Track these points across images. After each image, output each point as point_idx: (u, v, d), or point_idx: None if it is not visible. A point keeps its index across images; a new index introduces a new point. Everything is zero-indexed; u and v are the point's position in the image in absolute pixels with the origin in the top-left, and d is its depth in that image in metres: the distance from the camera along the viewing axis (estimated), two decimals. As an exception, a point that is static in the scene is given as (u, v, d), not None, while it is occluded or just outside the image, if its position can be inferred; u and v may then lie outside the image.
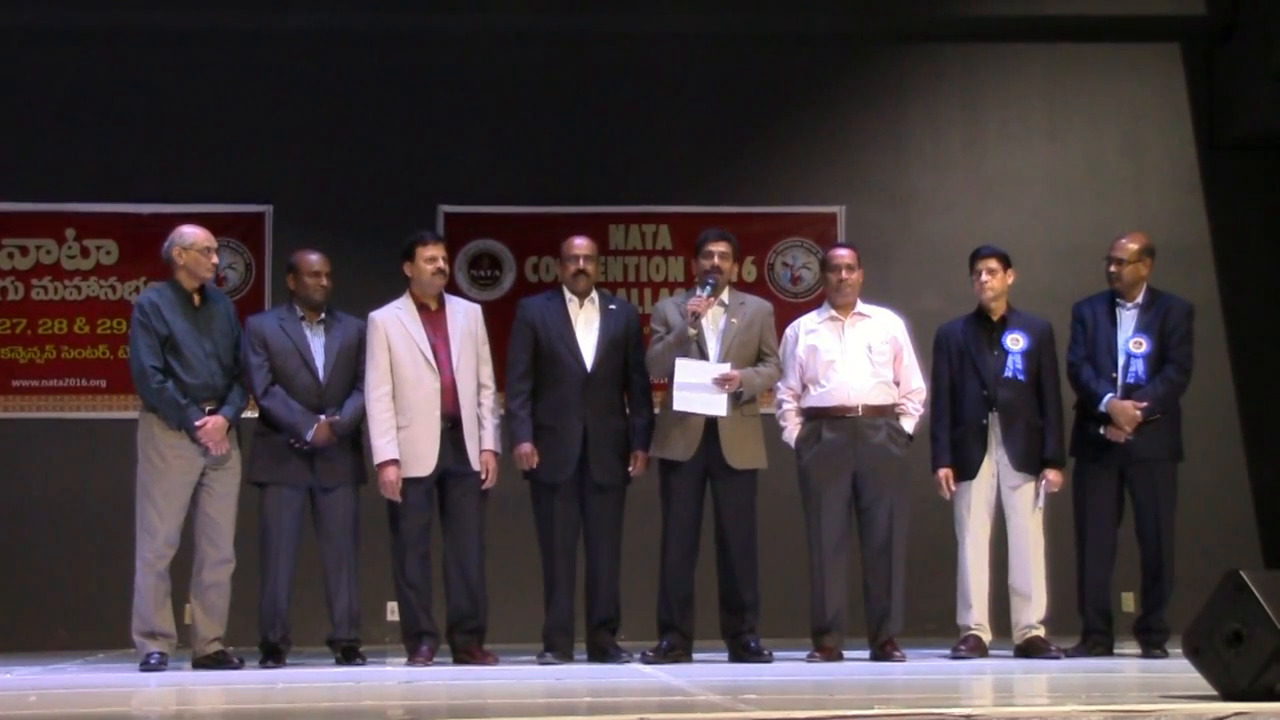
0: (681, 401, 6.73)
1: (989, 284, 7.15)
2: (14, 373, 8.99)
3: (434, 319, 6.97)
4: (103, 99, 9.15)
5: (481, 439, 6.92)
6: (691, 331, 6.78)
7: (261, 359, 6.94)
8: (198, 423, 6.59)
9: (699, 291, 6.89)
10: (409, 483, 6.85)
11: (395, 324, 6.93)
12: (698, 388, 6.73)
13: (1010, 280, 7.22)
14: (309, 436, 6.84)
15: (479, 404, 6.95)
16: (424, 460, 6.84)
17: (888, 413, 6.95)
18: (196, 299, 6.76)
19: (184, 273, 6.75)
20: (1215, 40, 9.50)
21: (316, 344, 6.99)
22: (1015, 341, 7.13)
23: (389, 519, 6.93)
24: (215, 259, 6.85)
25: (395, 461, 6.84)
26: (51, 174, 9.12)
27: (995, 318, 7.20)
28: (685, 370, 6.74)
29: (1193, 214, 9.48)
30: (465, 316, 7.03)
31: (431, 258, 6.96)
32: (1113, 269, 7.19)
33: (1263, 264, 9.50)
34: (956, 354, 7.18)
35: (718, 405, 6.74)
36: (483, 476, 6.91)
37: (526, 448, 6.86)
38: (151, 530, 6.63)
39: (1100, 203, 9.44)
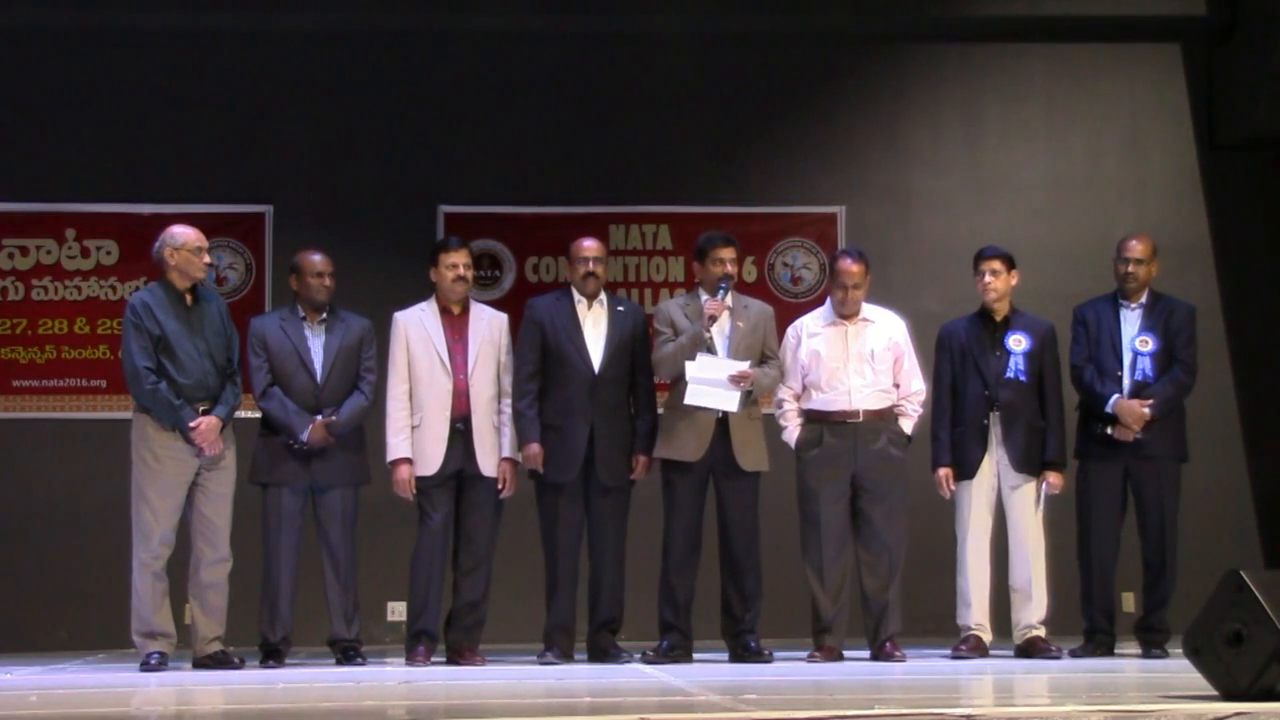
0: (694, 396, 6.73)
1: (992, 285, 7.15)
2: (14, 373, 8.98)
3: (455, 323, 7.00)
4: (103, 99, 9.14)
5: (501, 446, 6.94)
6: (707, 335, 6.79)
7: (261, 360, 6.97)
8: (191, 423, 6.58)
9: (705, 296, 6.89)
10: (418, 481, 6.88)
11: (416, 325, 6.99)
12: (712, 383, 6.74)
13: (1014, 281, 7.23)
14: (304, 437, 6.85)
15: (498, 412, 6.96)
16: (430, 460, 6.87)
17: (887, 416, 6.96)
18: (188, 299, 6.75)
19: (175, 273, 6.73)
20: (1215, 40, 9.49)
21: (316, 344, 7.00)
22: (1018, 342, 7.14)
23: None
24: (207, 259, 6.84)
25: (408, 460, 6.86)
26: (51, 174, 9.11)
27: (998, 318, 7.20)
28: (702, 366, 6.74)
29: (1193, 214, 9.47)
30: (488, 325, 7.04)
31: (452, 264, 6.98)
32: (1130, 269, 7.20)
33: (1263, 264, 9.49)
34: (958, 353, 7.18)
35: (730, 401, 6.74)
36: (499, 485, 6.92)
37: (536, 448, 6.85)
38: (146, 531, 6.62)
39: (1100, 203, 9.44)
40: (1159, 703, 4.41)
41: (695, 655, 6.95)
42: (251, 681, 6.06)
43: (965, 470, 7.11)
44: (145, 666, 6.57)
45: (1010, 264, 7.21)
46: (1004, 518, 7.16)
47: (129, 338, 6.66)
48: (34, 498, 8.90)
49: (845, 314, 7.03)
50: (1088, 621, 7.18)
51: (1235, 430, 9.33)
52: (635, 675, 6.07)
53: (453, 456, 6.88)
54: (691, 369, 6.75)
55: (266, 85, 9.22)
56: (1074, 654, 7.04)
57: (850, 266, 6.99)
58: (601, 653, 6.92)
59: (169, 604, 6.70)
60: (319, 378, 6.97)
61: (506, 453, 6.94)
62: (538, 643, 7.02)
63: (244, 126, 9.17)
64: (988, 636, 7.10)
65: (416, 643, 6.89)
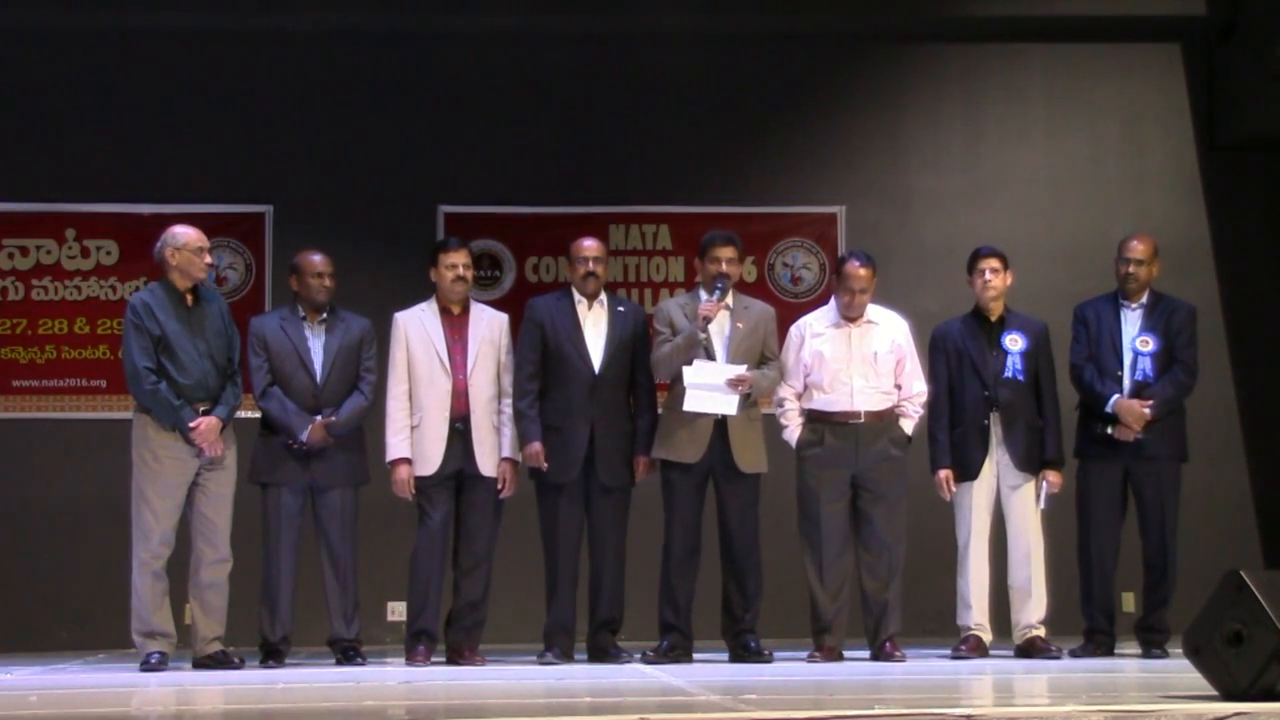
0: (693, 401, 6.73)
1: (992, 283, 7.15)
2: (14, 373, 8.98)
3: (455, 323, 7.00)
4: (103, 99, 9.14)
5: (501, 447, 6.94)
6: (701, 336, 6.79)
7: (261, 360, 6.98)
8: (192, 424, 6.58)
9: (703, 296, 6.88)
10: (417, 481, 6.88)
11: (416, 325, 6.99)
12: (710, 388, 6.74)
13: (1009, 281, 7.23)
14: (304, 437, 6.86)
15: (499, 412, 6.96)
16: (430, 460, 6.87)
17: (888, 417, 6.96)
18: (189, 299, 6.75)
19: (176, 273, 6.73)
20: (1215, 40, 9.49)
21: (316, 345, 7.01)
22: (1014, 342, 7.14)
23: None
24: (209, 259, 6.84)
25: (407, 460, 6.86)
26: (51, 174, 9.11)
27: (994, 318, 7.20)
28: (699, 371, 6.75)
29: (1193, 214, 9.47)
30: (488, 325, 7.04)
31: (452, 265, 6.99)
32: (1131, 269, 7.19)
33: (1263, 264, 9.49)
34: (954, 354, 7.18)
35: (728, 405, 6.75)
36: (499, 485, 6.92)
37: (537, 446, 6.85)
38: (146, 531, 6.62)
39: (1100, 203, 9.44)
40: (1159, 703, 4.41)
41: (695, 655, 6.95)
42: (251, 681, 6.06)
43: (967, 471, 7.10)
44: (145, 666, 6.57)
45: (1006, 263, 7.22)
46: (1003, 517, 7.16)
47: (129, 338, 6.66)
48: (34, 498, 8.90)
49: (850, 316, 7.02)
50: (1088, 621, 7.18)
51: (1235, 430, 9.33)
52: (635, 675, 6.07)
53: (452, 456, 6.88)
54: (689, 374, 6.75)
55: (266, 85, 9.22)
56: (1074, 654, 7.05)
57: (858, 270, 6.98)
58: (601, 653, 6.92)
59: (169, 604, 6.70)
60: (319, 378, 6.97)
61: (506, 453, 6.94)
62: (538, 643, 7.02)
63: (244, 126, 9.17)
64: (988, 636, 7.10)
65: (416, 643, 6.89)
